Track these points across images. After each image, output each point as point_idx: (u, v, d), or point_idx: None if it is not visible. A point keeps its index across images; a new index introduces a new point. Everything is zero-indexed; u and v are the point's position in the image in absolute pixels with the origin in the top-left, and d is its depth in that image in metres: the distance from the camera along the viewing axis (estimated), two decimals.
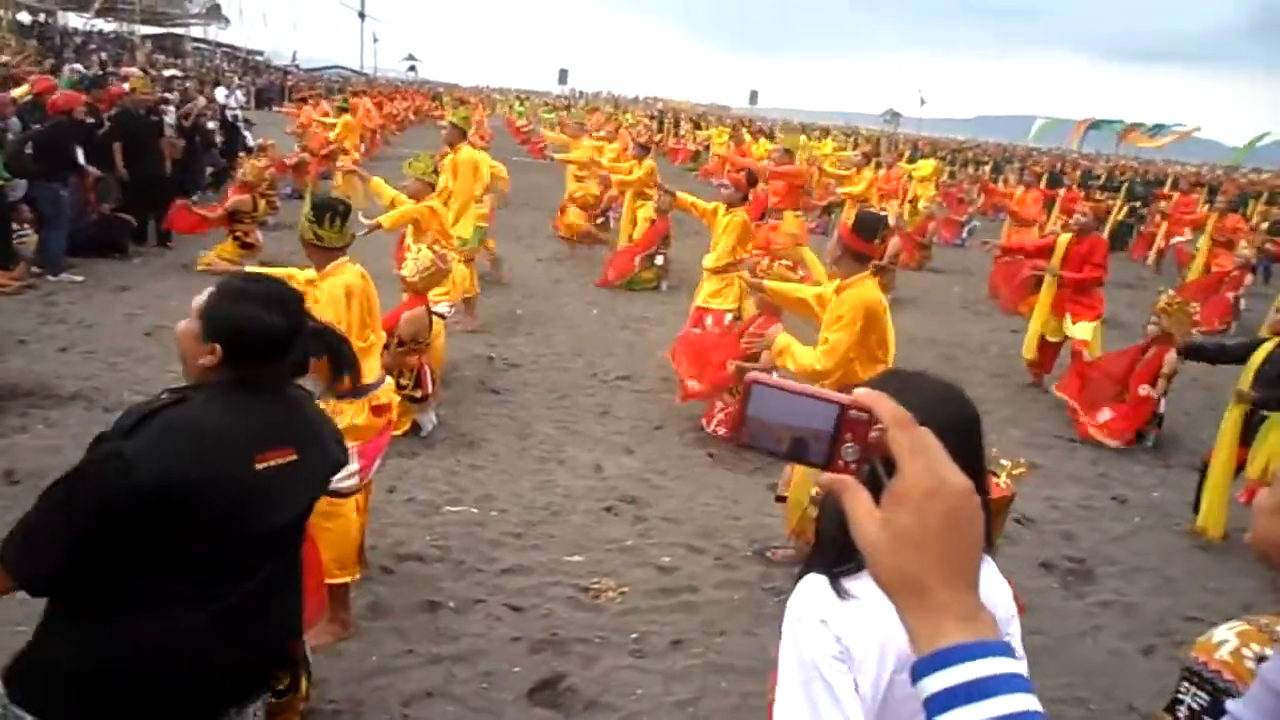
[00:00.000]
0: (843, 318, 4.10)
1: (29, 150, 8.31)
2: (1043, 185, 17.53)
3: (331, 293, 3.67)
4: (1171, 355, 6.53)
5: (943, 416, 1.51)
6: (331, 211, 3.73)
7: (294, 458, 1.97)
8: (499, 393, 6.62)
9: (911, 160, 21.11)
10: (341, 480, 3.65)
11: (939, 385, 1.53)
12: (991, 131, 65.89)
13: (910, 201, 13.86)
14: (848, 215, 4.41)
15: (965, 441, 1.45)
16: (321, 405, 3.69)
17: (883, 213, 6.38)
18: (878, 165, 15.43)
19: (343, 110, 16.37)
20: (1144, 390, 6.68)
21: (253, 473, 1.88)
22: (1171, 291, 7.18)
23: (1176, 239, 14.88)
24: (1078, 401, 6.98)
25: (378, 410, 3.81)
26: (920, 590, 0.69)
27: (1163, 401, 6.74)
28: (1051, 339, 7.76)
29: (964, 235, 16.71)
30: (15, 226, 8.46)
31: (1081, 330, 7.53)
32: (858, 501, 0.73)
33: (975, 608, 0.69)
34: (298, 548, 2.13)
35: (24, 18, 23.75)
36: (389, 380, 4.06)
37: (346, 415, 3.72)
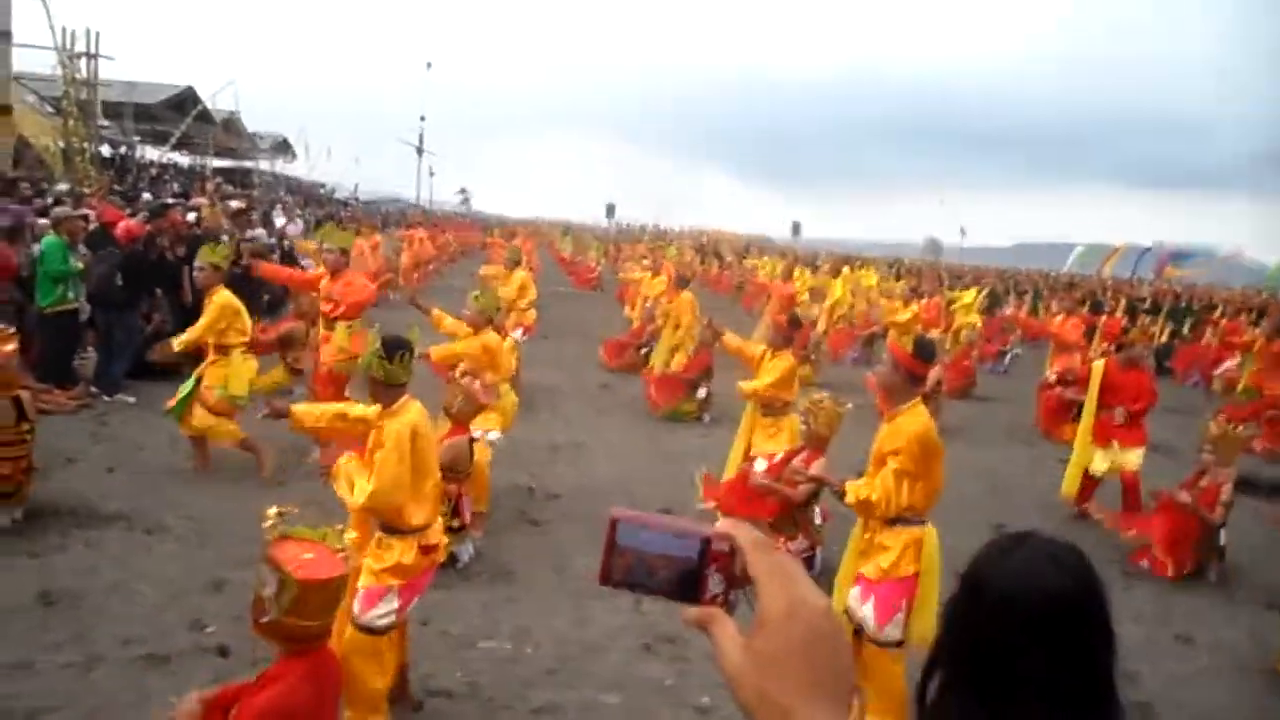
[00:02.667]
0: (899, 450, 4.03)
1: (119, 280, 8.67)
2: (1084, 311, 17.50)
3: (398, 433, 3.70)
4: (1229, 485, 6.33)
5: (1050, 584, 1.46)
6: (401, 348, 3.79)
7: None
8: (538, 524, 6.56)
9: (952, 289, 21.24)
10: (378, 618, 3.62)
11: (1051, 546, 1.47)
12: (1031, 259, 66.23)
13: (953, 331, 13.86)
14: (892, 342, 4.41)
15: (1073, 615, 1.39)
16: (373, 543, 3.71)
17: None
18: (919, 295, 15.53)
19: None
20: (1182, 496, 6.47)
21: None
22: (1223, 418, 7.02)
23: (1225, 364, 14.73)
24: (1137, 532, 6.77)
25: (426, 549, 3.78)
26: (783, 712, 0.68)
27: (1223, 533, 6.48)
28: (1094, 473, 7.60)
29: (1005, 362, 16.61)
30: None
31: (1134, 458, 7.38)
32: (723, 632, 0.73)
33: None
34: None
35: (105, 150, 25.14)
36: (440, 520, 4.04)
37: (394, 552, 3.70)
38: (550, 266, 30.18)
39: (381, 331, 3.91)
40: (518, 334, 10.57)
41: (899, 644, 4.03)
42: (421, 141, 64.19)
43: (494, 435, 6.45)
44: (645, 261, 21.32)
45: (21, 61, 19.31)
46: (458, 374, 6.31)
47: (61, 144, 18.40)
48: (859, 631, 4.12)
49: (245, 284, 10.77)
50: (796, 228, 70.80)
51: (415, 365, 4.03)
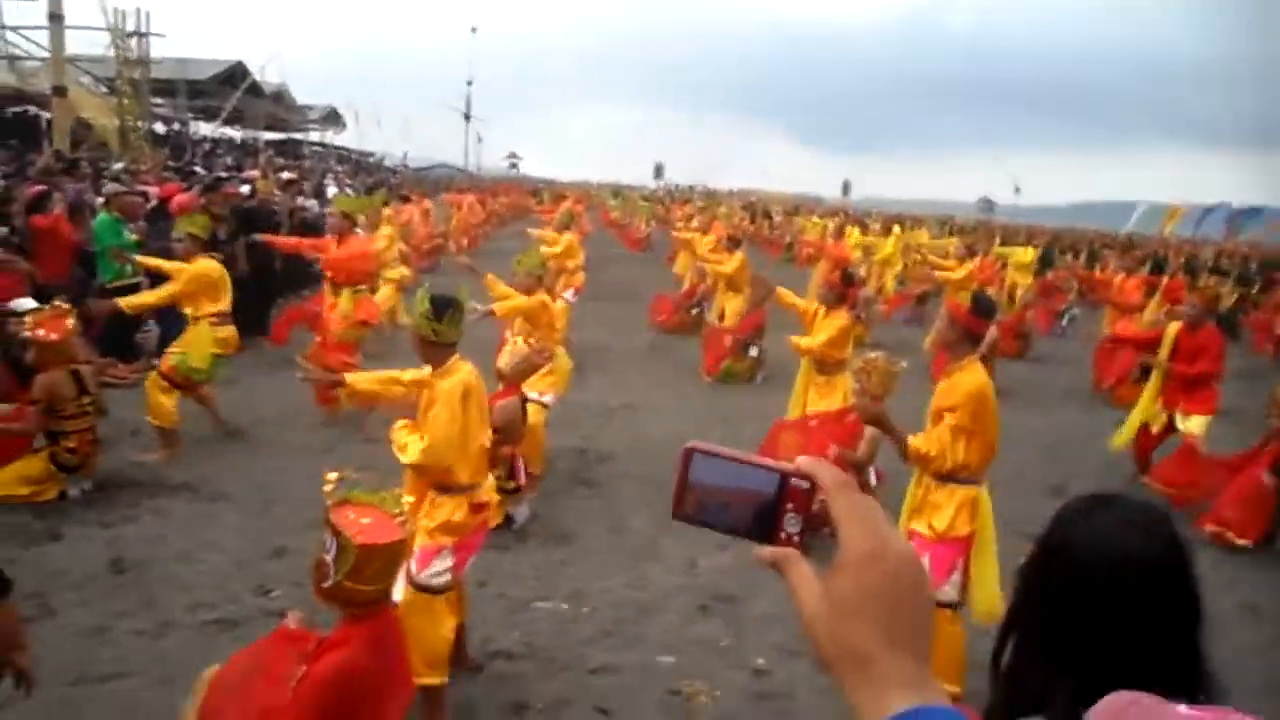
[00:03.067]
0: (956, 407, 3.97)
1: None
2: (1144, 271, 17.04)
3: (449, 392, 3.70)
4: None
5: (1132, 547, 1.42)
6: (450, 307, 3.79)
7: None
8: (592, 485, 6.60)
9: (1004, 245, 20.77)
10: (433, 577, 3.66)
11: (1136, 509, 1.42)
12: (1090, 219, 64.44)
13: (1008, 290, 13.57)
14: (949, 299, 4.33)
15: (1159, 581, 1.34)
16: (426, 503, 3.75)
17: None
18: (974, 253, 15.21)
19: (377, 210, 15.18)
20: (1267, 479, 6.26)
21: None
22: None
23: None
24: (1185, 492, 6.58)
25: (477, 508, 3.81)
26: (862, 660, 0.65)
27: None
28: (1155, 428, 7.38)
29: (1063, 324, 16.24)
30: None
31: (1196, 425, 7.14)
32: (799, 575, 0.70)
33: (922, 676, 0.64)
34: None
35: (159, 128, 25.57)
36: (491, 479, 4.07)
37: (445, 510, 3.73)
38: (599, 229, 30.09)
39: (432, 290, 3.91)
40: (569, 294, 10.57)
41: (955, 605, 3.98)
42: (469, 107, 64.28)
43: (548, 398, 6.48)
44: (694, 222, 21.15)
45: (76, 43, 19.70)
46: (512, 336, 6.33)
47: (116, 123, 18.73)
48: None
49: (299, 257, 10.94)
50: (847, 187, 69.76)
51: (470, 326, 4.04)
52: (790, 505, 0.72)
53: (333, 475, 2.88)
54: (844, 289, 7.00)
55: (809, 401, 6.77)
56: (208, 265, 6.83)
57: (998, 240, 23.99)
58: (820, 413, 6.42)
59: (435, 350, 3.82)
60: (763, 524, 0.72)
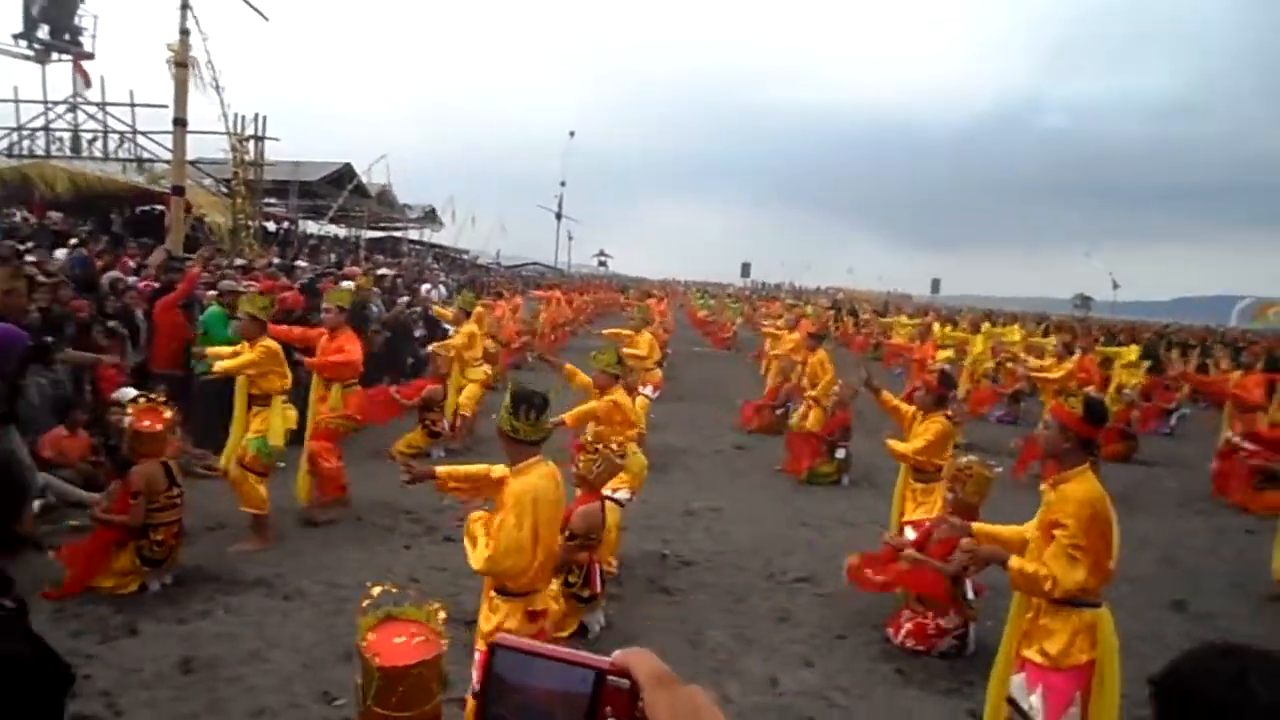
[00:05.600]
0: (1066, 521, 3.67)
1: None
2: (1260, 368, 16.13)
3: (518, 496, 3.61)
4: None
5: (1266, 700, 1.24)
6: (528, 404, 3.70)
7: None
8: (671, 593, 6.35)
9: (1105, 345, 20.01)
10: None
11: (1273, 663, 1.28)
12: (1193, 313, 62.14)
13: (1112, 390, 12.98)
14: (1056, 404, 4.05)
15: None
16: (484, 605, 3.62)
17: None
18: (1072, 351, 14.67)
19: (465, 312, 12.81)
20: None
21: None
22: None
23: None
24: None
25: (533, 615, 3.66)
26: None
27: None
28: None
29: (1172, 423, 15.43)
30: None
31: None
32: None
33: None
34: None
35: (270, 225, 26.86)
36: (555, 585, 3.93)
37: (499, 615, 3.60)
38: (685, 326, 30.18)
39: (516, 385, 3.85)
40: (649, 391, 10.47)
41: None
42: (561, 207, 66.02)
43: (623, 495, 6.33)
44: (780, 321, 21.07)
45: (200, 147, 20.95)
46: (588, 438, 6.23)
47: (230, 221, 19.73)
48: None
49: (391, 347, 11.17)
50: (936, 284, 69.07)
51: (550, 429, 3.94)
52: (608, 709, 0.63)
53: (375, 590, 2.78)
54: (942, 390, 6.72)
55: (906, 510, 6.46)
56: (273, 342, 6.87)
57: (1097, 338, 23.18)
58: (916, 525, 6.12)
59: (515, 447, 3.76)
60: None
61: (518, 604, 3.63)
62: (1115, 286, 47.82)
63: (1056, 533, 3.70)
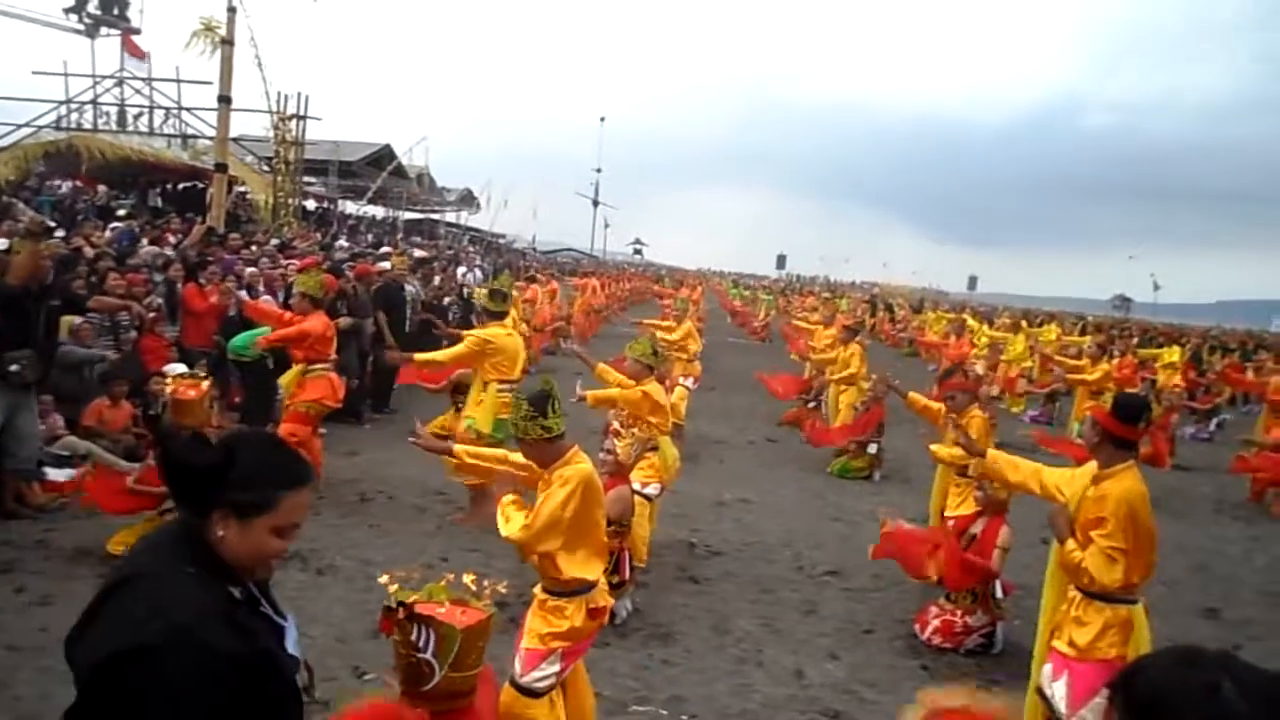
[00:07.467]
0: (1105, 519, 3.66)
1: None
2: None
3: (569, 477, 3.56)
4: None
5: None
6: (546, 399, 3.63)
7: None
8: (699, 582, 6.37)
9: (1144, 346, 19.72)
10: (537, 680, 3.53)
11: (1270, 680, 1.24)
12: (1235, 316, 61.15)
13: (1157, 393, 12.80)
14: (1088, 403, 4.06)
15: None
16: (535, 605, 3.62)
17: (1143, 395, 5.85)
18: (1110, 355, 14.47)
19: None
20: None
21: None
22: None
23: None
24: None
25: (595, 612, 3.67)
26: None
27: None
28: None
29: (1210, 428, 15.19)
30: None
31: None
32: None
33: None
34: None
35: (310, 204, 27.12)
36: (604, 581, 3.91)
37: (564, 614, 3.60)
38: (719, 317, 30.10)
39: (522, 392, 3.82)
40: (688, 382, 10.46)
41: None
42: (597, 193, 66.04)
43: (652, 489, 6.34)
44: (815, 315, 20.98)
45: (242, 125, 21.19)
46: (616, 424, 6.25)
47: (271, 198, 19.97)
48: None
49: (427, 330, 11.26)
50: (973, 282, 68.42)
51: (578, 411, 3.95)
52: None
53: (393, 587, 2.82)
54: (975, 387, 6.69)
55: (947, 506, 6.45)
56: (495, 332, 7.30)
57: (1135, 340, 22.83)
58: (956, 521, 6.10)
59: (550, 447, 3.64)
60: None
61: (581, 601, 3.60)
62: (1156, 288, 47.13)
63: (1094, 533, 3.68)
